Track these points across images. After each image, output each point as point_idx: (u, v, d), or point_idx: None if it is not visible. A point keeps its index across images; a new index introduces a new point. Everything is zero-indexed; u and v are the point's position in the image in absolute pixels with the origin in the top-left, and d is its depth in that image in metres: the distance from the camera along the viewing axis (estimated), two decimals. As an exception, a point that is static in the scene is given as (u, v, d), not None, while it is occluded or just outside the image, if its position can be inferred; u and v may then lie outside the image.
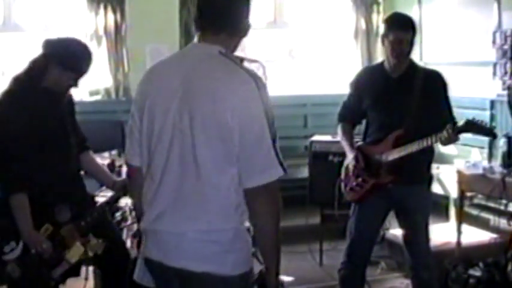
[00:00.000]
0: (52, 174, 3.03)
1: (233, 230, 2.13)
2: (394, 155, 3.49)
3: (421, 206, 3.61)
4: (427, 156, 3.59)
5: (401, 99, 3.48)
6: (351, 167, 3.69)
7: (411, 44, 3.46)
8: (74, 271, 3.21)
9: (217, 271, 2.12)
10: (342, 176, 3.79)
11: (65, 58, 3.01)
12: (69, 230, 3.06)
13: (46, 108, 3.04)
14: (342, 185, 3.80)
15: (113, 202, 3.38)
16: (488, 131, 3.34)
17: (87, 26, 6.23)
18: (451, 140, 3.29)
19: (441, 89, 3.51)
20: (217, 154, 2.07)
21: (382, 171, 3.56)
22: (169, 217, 2.15)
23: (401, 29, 3.41)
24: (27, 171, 2.91)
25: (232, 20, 2.20)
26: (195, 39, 2.25)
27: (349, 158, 3.69)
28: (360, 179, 3.65)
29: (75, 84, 3.07)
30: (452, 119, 3.43)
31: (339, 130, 3.80)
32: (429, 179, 3.68)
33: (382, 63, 3.62)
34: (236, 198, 2.11)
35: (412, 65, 3.56)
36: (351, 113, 3.76)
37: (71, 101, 3.29)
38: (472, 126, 3.30)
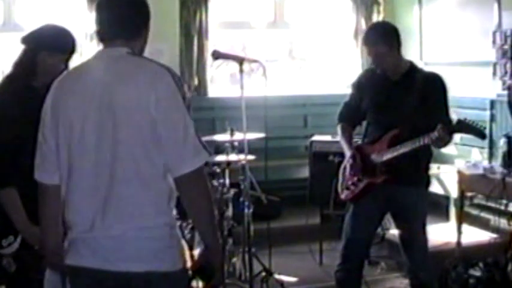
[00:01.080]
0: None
1: (169, 225, 2.18)
2: (388, 154, 3.50)
3: (417, 208, 3.60)
4: (424, 158, 3.59)
5: (400, 100, 3.49)
6: (348, 165, 3.70)
7: (391, 50, 3.49)
8: None
9: (160, 268, 2.14)
10: (340, 175, 3.80)
11: (47, 41, 2.96)
12: None
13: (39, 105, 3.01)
14: (339, 184, 3.81)
15: None
16: (478, 132, 3.33)
17: (87, 26, 6.24)
18: (443, 139, 3.28)
19: (440, 91, 3.51)
20: (144, 148, 2.11)
21: (377, 171, 3.57)
22: (104, 221, 2.13)
23: (364, 44, 3.62)
24: (19, 166, 2.89)
25: (131, 25, 2.26)
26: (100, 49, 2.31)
27: (347, 156, 3.71)
28: (355, 178, 3.67)
29: (66, 66, 3.04)
30: (449, 122, 3.43)
31: (339, 130, 3.81)
32: (427, 180, 3.67)
33: None
34: (167, 190, 2.16)
35: (412, 68, 3.58)
36: (350, 113, 3.77)
37: None
38: (463, 126, 3.31)
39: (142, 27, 2.30)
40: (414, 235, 3.62)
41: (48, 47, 2.94)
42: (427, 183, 3.68)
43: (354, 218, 3.68)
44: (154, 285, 2.15)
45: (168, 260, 2.16)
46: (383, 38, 3.50)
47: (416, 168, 3.57)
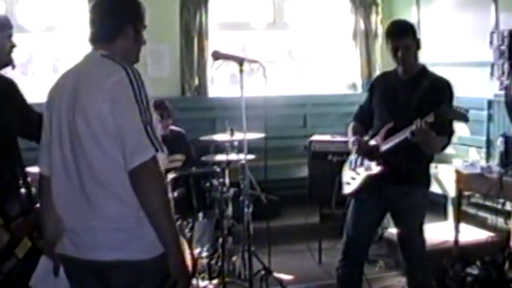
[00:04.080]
0: (2, 166, 3.00)
1: (134, 215, 2.22)
2: (382, 147, 3.54)
3: (415, 208, 3.62)
4: (425, 158, 3.61)
5: (404, 98, 3.53)
6: (348, 160, 3.76)
7: (416, 47, 3.53)
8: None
9: (129, 257, 2.23)
10: (343, 171, 3.85)
11: None
12: (19, 224, 3.02)
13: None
14: (342, 179, 3.85)
15: None
16: (461, 115, 3.28)
17: (88, 27, 6.26)
18: (422, 132, 3.25)
19: (445, 96, 3.48)
20: (102, 144, 2.22)
21: (376, 155, 3.59)
22: (78, 213, 2.28)
23: (395, 37, 3.52)
24: None
25: (108, 27, 2.38)
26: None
27: (350, 142, 3.73)
28: (354, 172, 3.72)
29: (13, 44, 3.09)
30: (449, 126, 3.44)
31: (349, 128, 3.84)
32: (427, 181, 3.68)
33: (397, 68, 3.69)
34: (128, 182, 2.22)
35: (424, 70, 3.62)
36: (363, 114, 3.82)
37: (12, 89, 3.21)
38: (444, 112, 3.26)
39: (123, 27, 2.37)
40: (411, 236, 3.64)
41: None
42: (428, 184, 3.69)
43: (355, 216, 3.71)
44: (124, 273, 2.24)
45: (137, 249, 2.23)
46: (412, 32, 3.54)
47: (417, 168, 3.59)
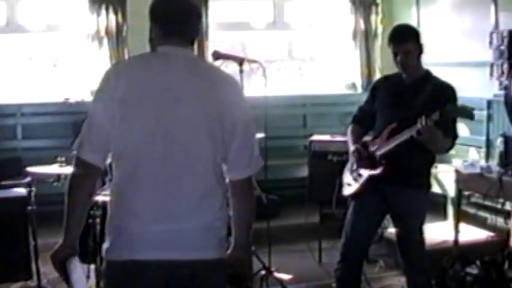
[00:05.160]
0: None
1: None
2: (384, 147, 3.54)
3: (415, 210, 3.61)
4: (426, 161, 3.60)
5: (407, 101, 3.52)
6: (349, 162, 3.75)
7: (418, 52, 3.53)
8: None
9: (221, 255, 2.28)
10: (344, 173, 3.85)
11: None
12: None
13: None
14: (343, 181, 3.85)
15: None
16: (468, 112, 3.26)
17: (88, 27, 6.28)
18: (427, 130, 3.23)
19: (449, 101, 3.42)
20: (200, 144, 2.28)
21: (376, 164, 3.60)
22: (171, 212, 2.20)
23: (395, 41, 3.54)
24: None
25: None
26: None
27: (350, 151, 3.74)
28: (355, 173, 3.72)
29: None
30: (453, 129, 3.45)
31: (348, 131, 3.83)
32: (428, 183, 3.67)
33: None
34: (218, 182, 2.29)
35: (428, 75, 3.61)
36: (363, 116, 3.80)
37: None
38: (449, 111, 3.26)
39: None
40: (410, 238, 3.64)
41: None
42: (429, 186, 3.69)
43: (354, 217, 3.70)
44: (219, 271, 2.28)
45: (224, 248, 2.31)
46: (414, 37, 3.55)
47: (419, 170, 3.58)
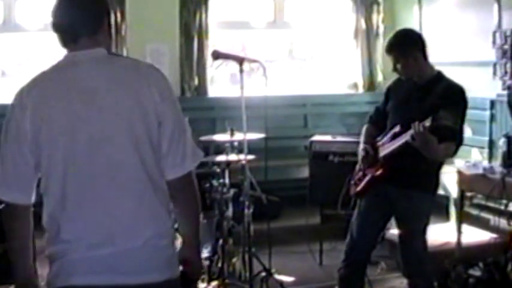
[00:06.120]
0: None
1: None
2: (386, 149, 3.55)
3: (417, 212, 3.59)
4: (434, 163, 3.55)
5: (416, 103, 3.50)
6: (359, 158, 3.75)
7: (413, 57, 3.50)
8: None
9: (174, 276, 2.13)
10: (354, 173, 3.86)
11: None
12: None
13: None
14: (352, 180, 3.86)
15: None
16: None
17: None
18: (420, 135, 3.19)
19: (457, 103, 3.43)
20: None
21: (379, 165, 3.61)
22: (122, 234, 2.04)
23: (385, 50, 3.61)
24: None
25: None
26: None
27: (360, 148, 3.76)
28: (361, 173, 3.74)
29: None
30: (458, 132, 3.41)
31: (362, 130, 3.85)
32: (434, 186, 3.63)
33: None
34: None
35: (439, 76, 3.59)
36: (378, 117, 3.81)
37: None
38: (444, 116, 3.18)
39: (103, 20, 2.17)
40: (412, 241, 3.62)
41: None
42: (435, 189, 3.66)
43: (360, 218, 3.71)
44: None
45: (175, 267, 2.15)
46: (397, 47, 3.54)
47: (423, 173, 3.54)
